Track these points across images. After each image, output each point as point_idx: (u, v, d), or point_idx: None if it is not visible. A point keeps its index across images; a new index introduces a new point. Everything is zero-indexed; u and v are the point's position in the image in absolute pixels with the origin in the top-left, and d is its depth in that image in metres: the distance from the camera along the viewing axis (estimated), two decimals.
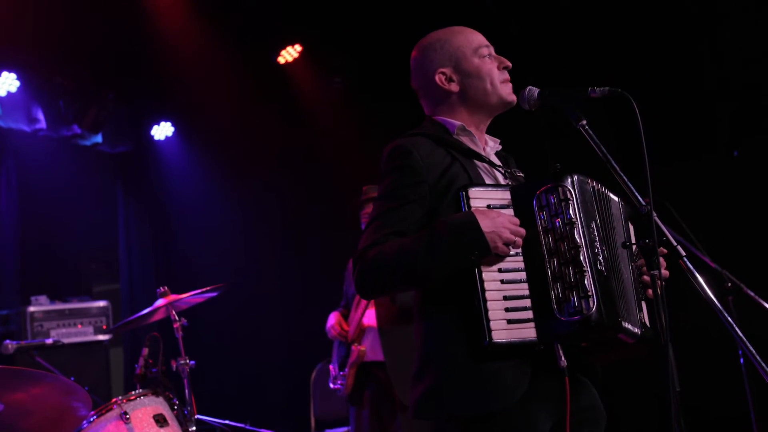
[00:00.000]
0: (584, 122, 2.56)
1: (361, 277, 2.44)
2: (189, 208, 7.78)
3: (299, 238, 7.87)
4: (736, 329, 2.39)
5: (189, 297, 4.51)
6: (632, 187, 2.51)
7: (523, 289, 2.36)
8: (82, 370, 5.99)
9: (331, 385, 5.30)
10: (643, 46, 6.53)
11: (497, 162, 2.71)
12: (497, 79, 2.66)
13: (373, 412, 5.02)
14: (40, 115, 6.77)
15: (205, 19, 6.72)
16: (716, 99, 6.51)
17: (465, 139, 2.66)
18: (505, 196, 2.44)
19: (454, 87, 2.67)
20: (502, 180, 2.63)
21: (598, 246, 2.40)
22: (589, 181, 2.50)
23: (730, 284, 4.71)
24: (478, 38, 2.71)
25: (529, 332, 2.33)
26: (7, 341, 4.68)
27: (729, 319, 2.40)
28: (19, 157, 7.05)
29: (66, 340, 6.05)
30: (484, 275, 2.34)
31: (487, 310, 2.30)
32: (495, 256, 2.34)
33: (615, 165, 2.52)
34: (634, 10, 6.48)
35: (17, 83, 6.39)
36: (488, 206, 2.40)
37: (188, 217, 7.78)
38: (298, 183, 7.90)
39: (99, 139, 7.23)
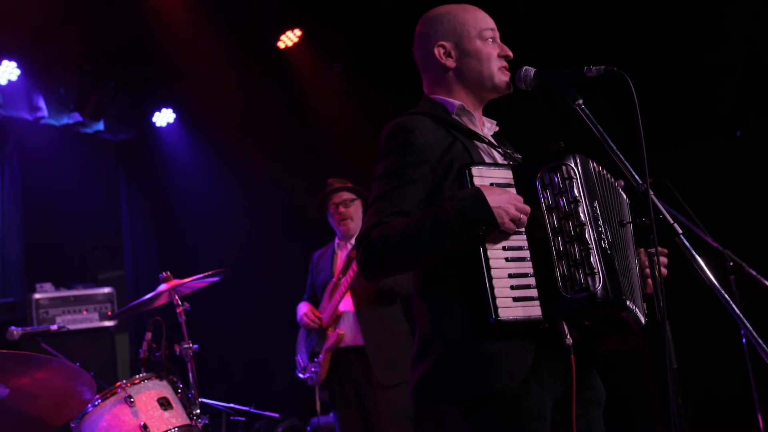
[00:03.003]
0: (581, 101, 2.55)
1: (366, 257, 2.42)
2: (192, 194, 7.79)
3: (301, 223, 7.87)
4: (735, 309, 2.38)
5: (191, 282, 4.52)
6: (630, 167, 2.51)
7: (528, 267, 2.36)
8: (88, 355, 6.01)
9: (301, 375, 5.32)
10: (646, 22, 6.49)
11: (495, 143, 2.70)
12: (494, 65, 2.65)
13: (354, 402, 5.05)
14: (42, 103, 6.77)
15: (204, 4, 6.70)
16: (720, 78, 6.48)
17: (464, 119, 2.65)
18: (507, 175, 2.44)
19: (451, 63, 2.66)
20: (500, 160, 2.63)
21: (601, 224, 2.40)
22: (590, 161, 2.49)
23: (731, 264, 4.70)
24: (485, 20, 2.70)
25: (534, 310, 2.33)
26: (12, 327, 4.69)
27: (728, 298, 2.39)
28: (21, 146, 7.07)
29: (71, 327, 6.07)
30: (489, 253, 2.33)
31: (493, 288, 2.30)
32: (500, 233, 2.34)
33: (612, 144, 2.51)
34: None
35: (18, 71, 6.38)
36: (491, 184, 2.40)
37: (191, 203, 7.79)
38: (298, 168, 7.88)
39: (101, 126, 7.23)
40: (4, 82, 6.36)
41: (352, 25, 7.15)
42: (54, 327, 4.90)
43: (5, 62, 6.30)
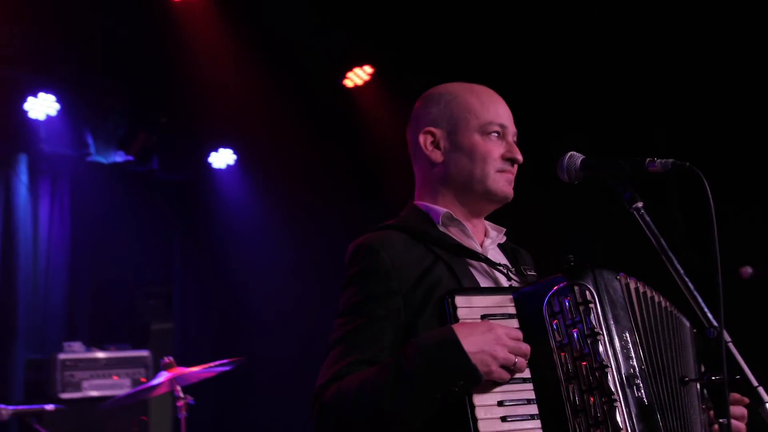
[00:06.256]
0: (639, 204, 1.91)
1: (320, 425, 1.85)
2: (249, 242, 7.20)
3: None
4: None
5: (198, 371, 3.91)
6: (699, 297, 1.83)
7: (535, 427, 1.78)
8: (115, 430, 5.42)
9: None
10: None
11: (501, 259, 2.07)
12: (491, 166, 2.02)
13: None
14: (89, 139, 6.32)
15: (266, 40, 6.09)
16: None
17: (453, 231, 2.03)
18: (504, 302, 1.85)
19: (437, 156, 2.06)
20: (504, 283, 2.01)
21: (635, 365, 1.79)
22: (625, 279, 1.87)
23: None
24: (495, 110, 2.06)
25: None
26: (2, 406, 4.18)
27: None
28: (73, 183, 6.67)
29: (98, 393, 5.61)
30: (478, 411, 1.75)
31: None
32: (491, 383, 1.77)
33: (677, 266, 1.86)
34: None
35: (57, 106, 5.88)
36: (482, 316, 1.79)
37: (247, 252, 7.19)
38: (366, 221, 7.14)
39: (155, 165, 6.72)
40: (42, 117, 5.83)
41: (431, 62, 6.35)
42: (49, 407, 4.37)
43: (41, 95, 5.72)
